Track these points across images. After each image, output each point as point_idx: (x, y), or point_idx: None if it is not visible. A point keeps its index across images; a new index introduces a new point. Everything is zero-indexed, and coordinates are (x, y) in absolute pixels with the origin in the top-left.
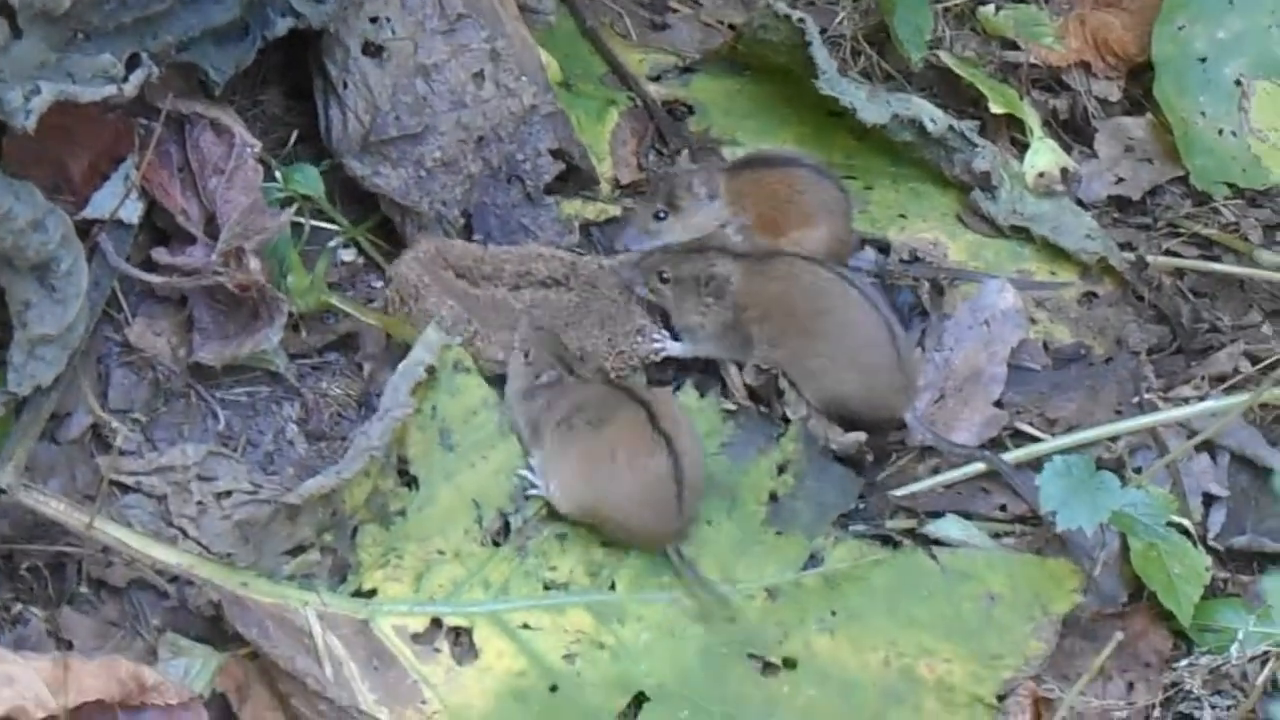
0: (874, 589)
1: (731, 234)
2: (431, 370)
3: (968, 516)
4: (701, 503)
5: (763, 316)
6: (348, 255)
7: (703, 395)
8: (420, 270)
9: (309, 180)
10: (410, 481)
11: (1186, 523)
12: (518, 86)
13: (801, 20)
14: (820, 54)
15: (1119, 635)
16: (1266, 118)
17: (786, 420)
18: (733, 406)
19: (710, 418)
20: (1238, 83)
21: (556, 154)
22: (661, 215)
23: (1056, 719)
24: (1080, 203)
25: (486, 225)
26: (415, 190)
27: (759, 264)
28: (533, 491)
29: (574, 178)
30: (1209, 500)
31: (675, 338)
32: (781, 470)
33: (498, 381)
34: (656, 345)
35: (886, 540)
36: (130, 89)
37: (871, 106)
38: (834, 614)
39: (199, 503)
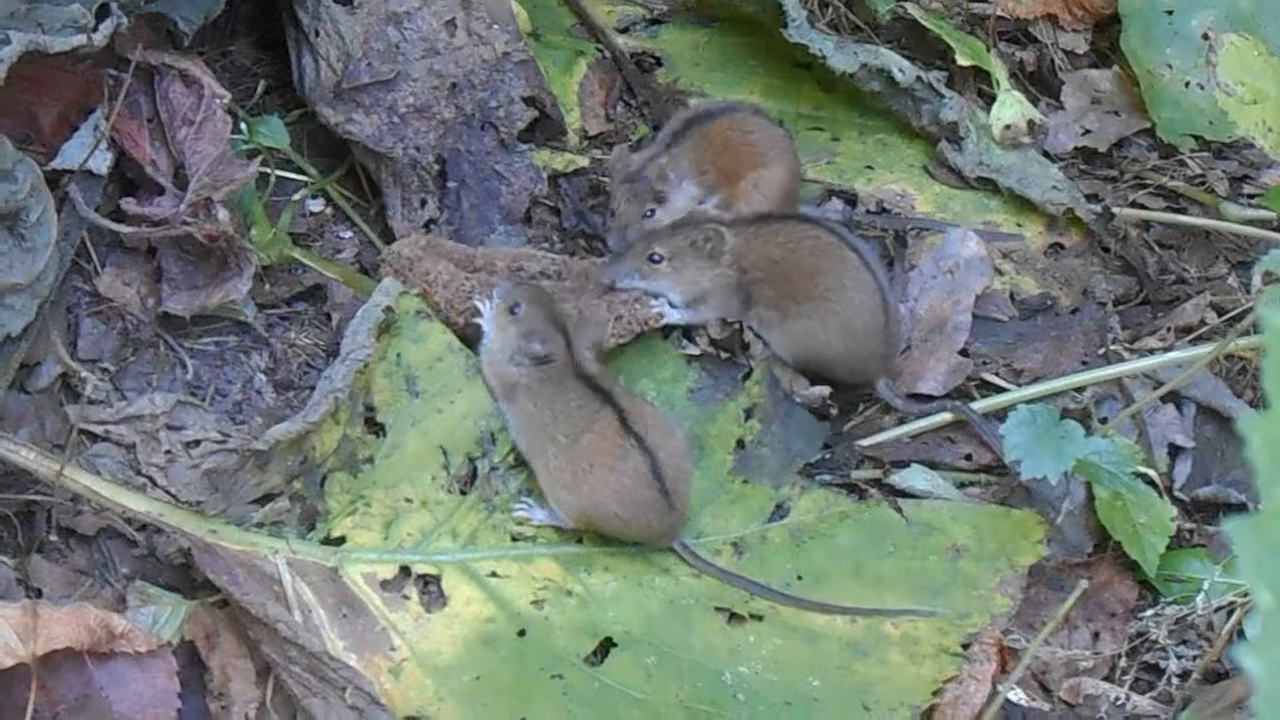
0: (839, 549)
1: (711, 210)
2: (390, 312)
3: (933, 466)
4: (690, 491)
5: (765, 278)
6: (316, 206)
7: (666, 337)
8: (414, 246)
9: (274, 131)
10: (378, 429)
11: (1152, 473)
12: (489, 34)
13: None
14: (790, 2)
15: (1083, 585)
16: (1233, 71)
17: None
18: (696, 352)
19: (677, 364)
20: (1205, 36)
21: (529, 101)
22: (650, 214)
23: (1020, 668)
24: (1047, 154)
25: (460, 172)
26: (389, 136)
27: (754, 226)
28: (535, 520)
29: (542, 128)
30: (1174, 451)
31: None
32: (749, 415)
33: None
34: (655, 310)
35: (852, 489)
36: (99, 39)
37: (840, 55)
38: (800, 578)
39: (168, 451)
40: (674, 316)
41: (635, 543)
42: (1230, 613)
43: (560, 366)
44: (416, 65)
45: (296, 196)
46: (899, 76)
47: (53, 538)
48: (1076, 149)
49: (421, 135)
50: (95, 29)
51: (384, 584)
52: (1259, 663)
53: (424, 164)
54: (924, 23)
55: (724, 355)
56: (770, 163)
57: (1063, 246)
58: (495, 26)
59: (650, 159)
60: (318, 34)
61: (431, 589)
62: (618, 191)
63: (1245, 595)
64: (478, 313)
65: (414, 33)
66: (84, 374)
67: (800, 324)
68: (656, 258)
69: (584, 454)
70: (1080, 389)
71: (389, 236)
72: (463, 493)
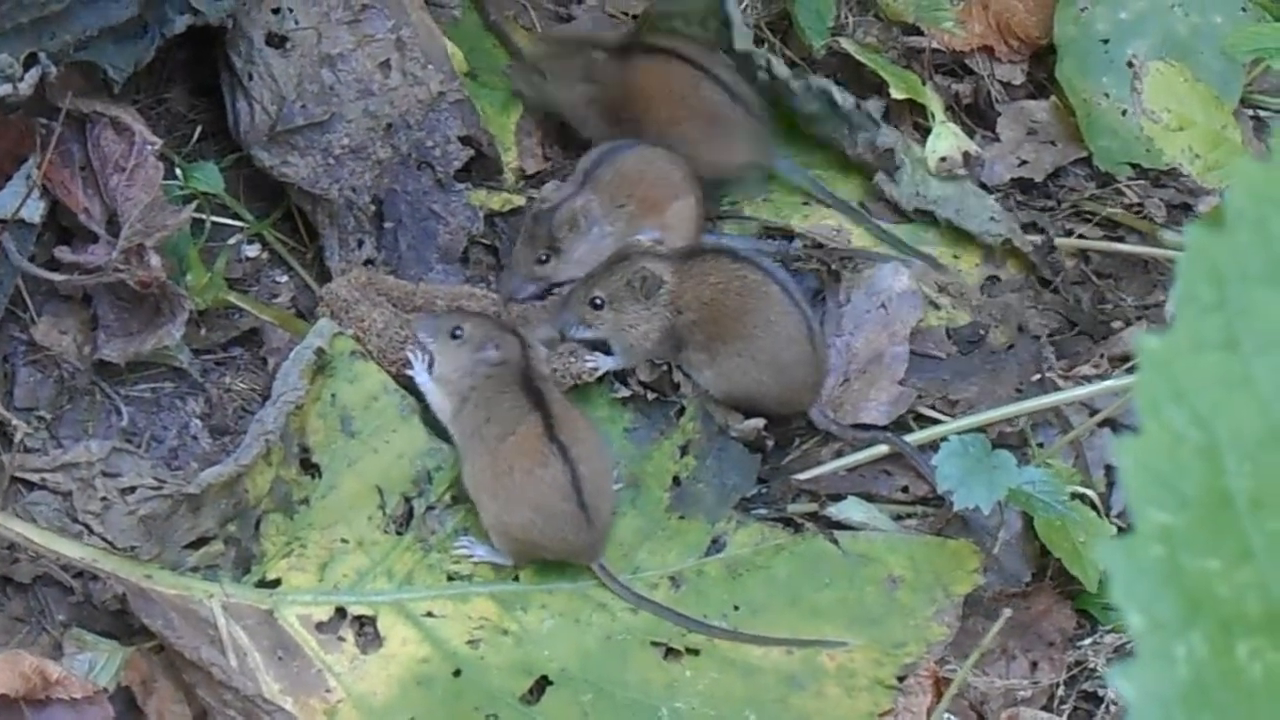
0: (776, 580)
1: (645, 241)
2: (322, 353)
3: (870, 499)
4: (613, 514)
5: (697, 320)
6: (252, 251)
7: (600, 381)
8: (352, 287)
9: (209, 177)
10: (313, 470)
11: (1091, 493)
12: (424, 75)
13: None
14: (735, 13)
15: (1007, 613)
16: (1160, 98)
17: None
18: (628, 394)
19: (611, 405)
20: (1130, 64)
21: (465, 141)
22: (544, 259)
23: (948, 696)
24: (984, 186)
25: (397, 212)
26: (324, 178)
27: (685, 264)
28: (476, 558)
29: (478, 167)
30: (1111, 472)
31: (607, 352)
32: (684, 451)
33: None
34: (590, 364)
35: (789, 523)
36: (25, 88)
37: (781, 68)
38: (737, 609)
39: (103, 498)
40: (608, 364)
41: (557, 561)
42: None
43: (511, 367)
44: (351, 106)
45: (232, 241)
46: (838, 98)
47: None
48: (1013, 180)
49: (357, 176)
50: (21, 78)
51: (319, 626)
52: (1131, 686)
53: (360, 205)
54: (859, 57)
55: (654, 396)
56: (685, 193)
57: (999, 279)
58: (430, 67)
59: (564, 200)
60: (251, 77)
61: (367, 630)
62: (520, 230)
63: None
64: (409, 364)
65: (348, 74)
66: (17, 422)
67: (730, 363)
68: (599, 302)
69: (506, 456)
70: (1015, 419)
71: (326, 279)
72: (399, 533)
